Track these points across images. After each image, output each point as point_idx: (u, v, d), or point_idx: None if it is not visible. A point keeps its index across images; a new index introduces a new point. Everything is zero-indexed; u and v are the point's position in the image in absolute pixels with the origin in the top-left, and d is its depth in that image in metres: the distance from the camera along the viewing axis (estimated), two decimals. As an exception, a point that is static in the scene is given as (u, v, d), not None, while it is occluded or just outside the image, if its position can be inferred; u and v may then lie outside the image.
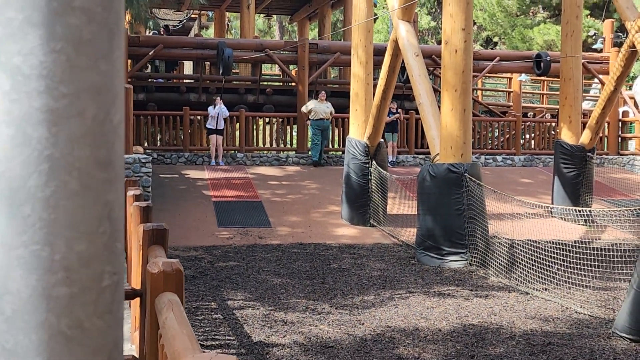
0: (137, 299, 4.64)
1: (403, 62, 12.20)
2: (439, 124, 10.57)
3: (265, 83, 20.47)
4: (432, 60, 18.51)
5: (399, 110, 17.96)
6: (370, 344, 6.30)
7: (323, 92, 17.46)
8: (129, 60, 18.00)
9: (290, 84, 19.86)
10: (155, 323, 3.29)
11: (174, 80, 20.04)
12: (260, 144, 18.78)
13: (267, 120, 19.11)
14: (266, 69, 29.86)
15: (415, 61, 11.53)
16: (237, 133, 18.16)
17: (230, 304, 7.71)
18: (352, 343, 6.33)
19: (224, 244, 11.34)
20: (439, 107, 10.81)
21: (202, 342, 6.22)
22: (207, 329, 6.72)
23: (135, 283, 5.27)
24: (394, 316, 7.29)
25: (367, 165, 13.09)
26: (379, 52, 14.69)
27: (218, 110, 16.68)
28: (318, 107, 16.92)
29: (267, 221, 12.84)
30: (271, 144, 18.80)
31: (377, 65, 14.59)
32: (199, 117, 17.82)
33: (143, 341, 4.06)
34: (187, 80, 20.10)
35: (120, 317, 1.06)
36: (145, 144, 17.36)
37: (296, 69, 18.90)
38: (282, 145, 19.26)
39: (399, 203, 13.87)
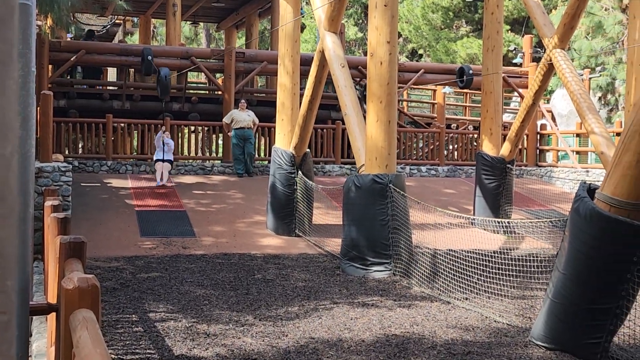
0: (53, 314, 4.51)
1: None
2: (365, 135, 10.67)
3: (191, 91, 20.26)
4: (359, 71, 18.69)
5: None
6: (294, 356, 6.29)
7: (243, 100, 17.25)
8: (50, 66, 17.54)
9: (216, 92, 19.73)
10: (69, 341, 3.20)
11: (97, 87, 19.64)
12: (185, 153, 18.57)
13: (192, 128, 18.92)
14: (192, 77, 29.57)
15: (341, 72, 11.62)
16: (162, 141, 17.91)
17: (152, 316, 7.57)
18: (275, 355, 6.30)
19: (147, 255, 11.15)
20: (365, 118, 10.92)
21: (121, 357, 6.09)
22: (127, 342, 6.58)
23: (52, 297, 5.12)
24: (317, 327, 7.30)
25: (293, 175, 13.09)
26: (306, 62, 14.76)
27: (162, 140, 15.78)
28: (238, 116, 16.73)
29: (191, 231, 12.69)
30: (196, 153, 18.60)
31: (304, 75, 14.64)
32: (122, 125, 17.49)
33: (58, 357, 3.94)
34: (110, 87, 19.73)
35: (11, 356, 1.01)
36: (66, 152, 16.93)
37: (222, 77, 18.79)
38: (207, 154, 19.06)
39: (325, 213, 13.93)
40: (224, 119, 17.03)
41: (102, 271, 9.88)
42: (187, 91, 19.29)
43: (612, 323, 6.23)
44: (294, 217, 13.07)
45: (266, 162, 17.78)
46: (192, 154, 18.56)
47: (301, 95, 13.37)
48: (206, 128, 18.64)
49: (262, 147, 19.22)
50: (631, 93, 11.60)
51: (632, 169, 5.87)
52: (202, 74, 19.79)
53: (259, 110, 17.66)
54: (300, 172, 13.14)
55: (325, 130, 18.67)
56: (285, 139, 13.30)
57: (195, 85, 24.30)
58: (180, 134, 18.10)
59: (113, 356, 6.05)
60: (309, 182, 12.93)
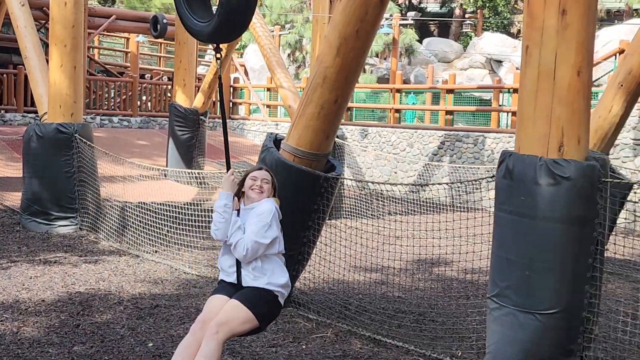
0: None
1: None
2: (48, 81, 9.90)
3: None
4: (43, 13, 17.34)
5: None
6: (-39, 323, 5.65)
7: None
8: None
9: None
10: None
11: None
12: None
13: None
14: None
15: (22, 11, 10.66)
16: None
17: None
18: (-63, 324, 5.60)
19: None
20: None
21: None
22: None
23: None
24: (-9, 289, 6.66)
25: (-35, 123, 11.81)
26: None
27: (240, 229, 4.30)
28: None
29: None
30: None
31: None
32: None
33: None
34: None
35: None
36: None
37: None
38: None
39: (4, 165, 12.85)
40: None
41: None
42: None
43: (295, 269, 6.49)
44: (-33, 169, 11.83)
45: None
46: None
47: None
48: None
49: None
50: (316, 49, 12.20)
51: (315, 120, 6.10)
52: None
53: None
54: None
55: (5, 75, 17.09)
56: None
57: None
58: None
59: None
60: (-15, 131, 11.76)
